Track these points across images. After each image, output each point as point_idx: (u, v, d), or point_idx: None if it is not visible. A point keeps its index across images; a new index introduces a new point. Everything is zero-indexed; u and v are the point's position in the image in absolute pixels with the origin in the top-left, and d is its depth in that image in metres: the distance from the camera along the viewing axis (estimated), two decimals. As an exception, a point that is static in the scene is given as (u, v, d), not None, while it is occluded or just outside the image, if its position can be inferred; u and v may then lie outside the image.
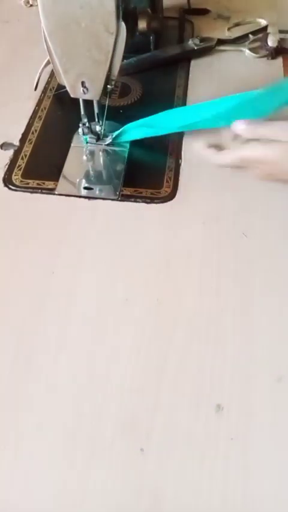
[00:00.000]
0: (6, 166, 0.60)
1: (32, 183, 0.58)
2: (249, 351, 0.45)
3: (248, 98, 0.58)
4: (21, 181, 0.58)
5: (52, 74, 0.71)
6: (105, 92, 0.55)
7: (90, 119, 0.59)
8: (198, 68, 0.75)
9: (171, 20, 0.82)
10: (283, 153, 0.52)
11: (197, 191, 0.57)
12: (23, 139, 0.63)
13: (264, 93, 0.58)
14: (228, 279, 0.49)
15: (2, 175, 0.59)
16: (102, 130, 0.61)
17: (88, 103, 0.57)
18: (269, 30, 0.78)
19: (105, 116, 0.59)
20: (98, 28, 0.48)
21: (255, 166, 0.54)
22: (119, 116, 0.65)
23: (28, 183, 0.58)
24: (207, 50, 0.76)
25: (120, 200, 0.57)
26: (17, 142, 0.63)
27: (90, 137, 0.61)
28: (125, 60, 0.70)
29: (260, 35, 0.77)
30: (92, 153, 0.62)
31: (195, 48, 0.75)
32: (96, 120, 0.59)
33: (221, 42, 0.77)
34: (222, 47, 0.77)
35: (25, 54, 0.76)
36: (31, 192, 0.57)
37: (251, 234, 0.53)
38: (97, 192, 0.58)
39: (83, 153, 0.62)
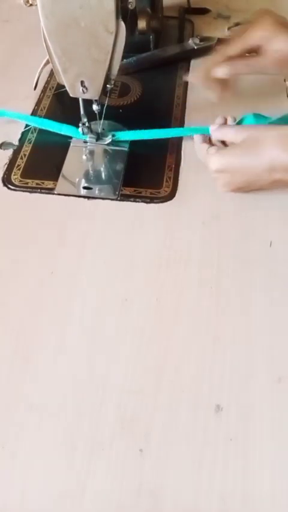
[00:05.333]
0: (6, 166, 0.60)
1: (31, 182, 0.58)
2: (249, 351, 0.45)
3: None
4: (20, 181, 0.58)
5: (52, 74, 0.70)
6: (104, 92, 0.55)
7: (90, 118, 0.59)
8: (198, 67, 0.74)
9: (171, 19, 0.82)
10: (240, 160, 0.52)
11: (196, 191, 0.57)
12: (22, 139, 0.63)
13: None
14: (227, 279, 0.49)
15: (1, 175, 0.59)
16: (101, 130, 0.61)
17: (88, 102, 0.57)
18: (269, 29, 0.77)
19: (105, 115, 0.59)
20: (97, 28, 0.48)
21: (217, 177, 0.55)
22: (118, 115, 0.65)
23: (27, 183, 0.58)
24: (207, 49, 0.76)
25: (119, 200, 0.57)
26: (16, 142, 0.63)
27: (90, 137, 0.61)
28: (124, 60, 0.70)
29: (260, 35, 0.77)
30: (91, 153, 0.62)
31: (195, 47, 0.75)
32: (96, 119, 0.59)
33: (221, 41, 0.76)
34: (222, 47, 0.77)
35: (25, 54, 0.76)
36: (30, 192, 0.57)
37: (251, 234, 0.53)
38: (96, 191, 0.57)
39: (83, 152, 0.62)
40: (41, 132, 0.64)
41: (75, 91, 0.54)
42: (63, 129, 0.62)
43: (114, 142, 0.62)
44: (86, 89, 0.53)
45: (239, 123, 0.60)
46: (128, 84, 0.71)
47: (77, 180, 0.59)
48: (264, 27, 0.56)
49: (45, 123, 0.64)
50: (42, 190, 0.57)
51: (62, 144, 0.62)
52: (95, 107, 0.57)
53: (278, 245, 0.52)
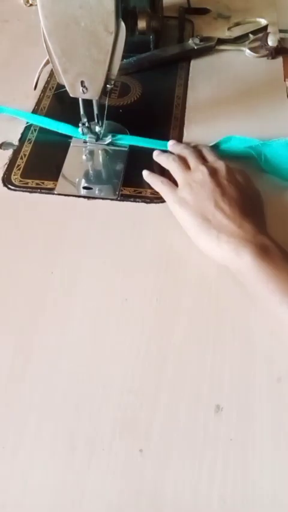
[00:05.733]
0: (6, 166, 0.60)
1: (31, 182, 0.58)
2: (249, 351, 0.45)
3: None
4: (20, 181, 0.58)
5: (52, 74, 0.71)
6: (104, 92, 0.55)
7: (90, 118, 0.59)
8: (198, 67, 0.74)
9: (171, 19, 0.82)
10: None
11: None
12: (22, 139, 0.63)
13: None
14: (227, 278, 0.49)
15: (1, 175, 0.59)
16: (101, 130, 0.61)
17: (87, 102, 0.57)
18: (269, 29, 0.78)
19: (105, 115, 0.59)
20: (97, 28, 0.48)
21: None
22: (118, 115, 0.65)
23: (27, 183, 0.58)
24: (207, 49, 0.76)
25: (119, 200, 0.57)
26: (16, 142, 0.63)
27: (89, 137, 0.61)
28: (124, 60, 0.70)
29: (260, 35, 0.77)
30: (91, 153, 0.62)
31: (195, 47, 0.75)
32: (96, 119, 0.59)
33: (221, 41, 0.77)
34: (222, 47, 0.77)
35: (25, 54, 0.76)
36: (30, 192, 0.57)
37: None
38: (96, 191, 0.57)
39: (83, 152, 0.62)
40: (41, 132, 0.64)
41: (75, 91, 0.54)
42: (63, 127, 0.62)
43: (114, 143, 0.62)
44: (86, 89, 0.53)
45: (217, 145, 0.60)
46: (128, 84, 0.71)
47: (77, 180, 0.59)
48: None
49: (45, 121, 0.64)
50: (42, 190, 0.57)
51: (62, 144, 0.62)
52: (95, 107, 0.57)
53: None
